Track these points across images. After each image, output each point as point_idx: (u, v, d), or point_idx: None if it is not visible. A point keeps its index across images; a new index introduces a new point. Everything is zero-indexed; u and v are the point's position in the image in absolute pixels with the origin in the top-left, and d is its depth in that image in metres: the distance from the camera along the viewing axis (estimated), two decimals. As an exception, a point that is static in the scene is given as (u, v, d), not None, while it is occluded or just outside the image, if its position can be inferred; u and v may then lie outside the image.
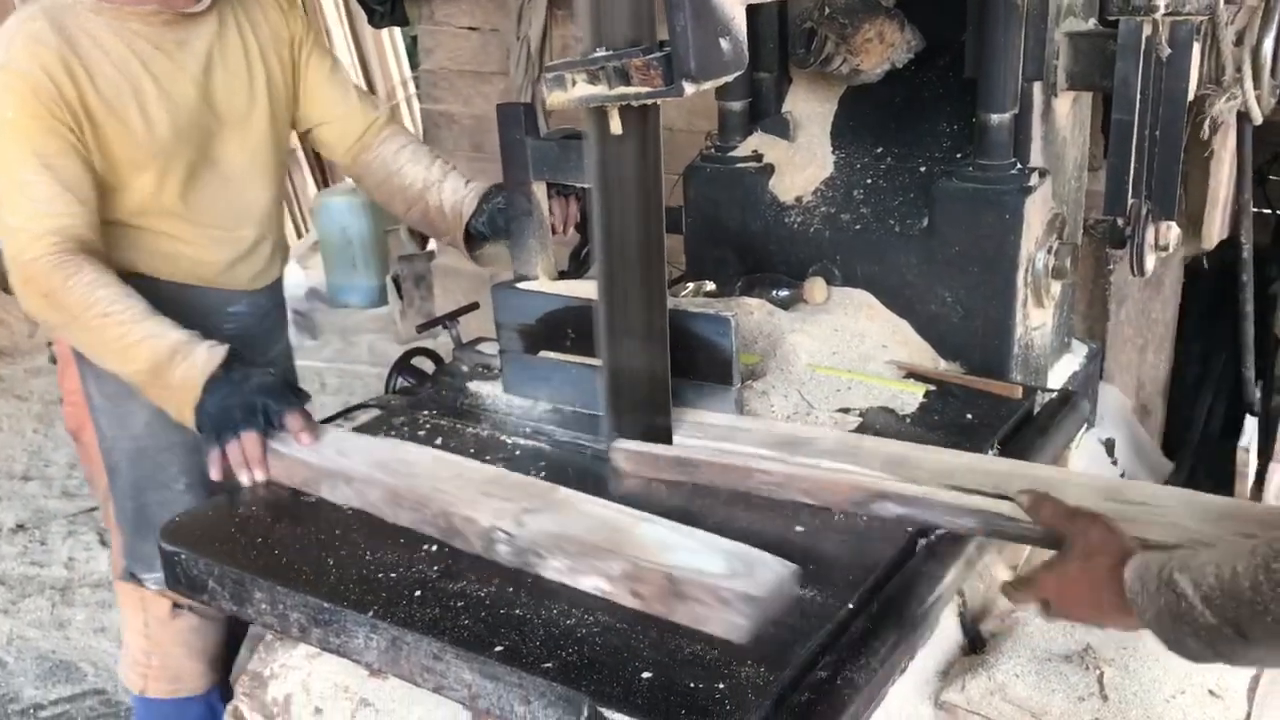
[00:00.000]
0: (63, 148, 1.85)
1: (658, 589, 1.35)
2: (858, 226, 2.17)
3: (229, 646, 2.46)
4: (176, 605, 2.22)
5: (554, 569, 1.43)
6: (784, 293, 2.17)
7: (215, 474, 1.77)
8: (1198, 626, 1.23)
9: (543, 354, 1.93)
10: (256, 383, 1.79)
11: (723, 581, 1.32)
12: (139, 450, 2.13)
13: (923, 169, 2.18)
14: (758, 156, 2.31)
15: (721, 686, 1.22)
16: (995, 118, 2.00)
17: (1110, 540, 1.29)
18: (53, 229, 1.82)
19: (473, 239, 2.17)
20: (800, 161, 2.30)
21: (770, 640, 1.29)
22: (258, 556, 1.54)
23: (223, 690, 2.46)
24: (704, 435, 1.73)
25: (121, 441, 2.13)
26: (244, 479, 1.75)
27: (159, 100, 1.93)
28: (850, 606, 1.37)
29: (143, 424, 2.11)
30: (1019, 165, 2.04)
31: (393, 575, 1.46)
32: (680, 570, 1.34)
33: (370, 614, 1.39)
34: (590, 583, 1.40)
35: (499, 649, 1.30)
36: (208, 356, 1.78)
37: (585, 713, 1.21)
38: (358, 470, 1.67)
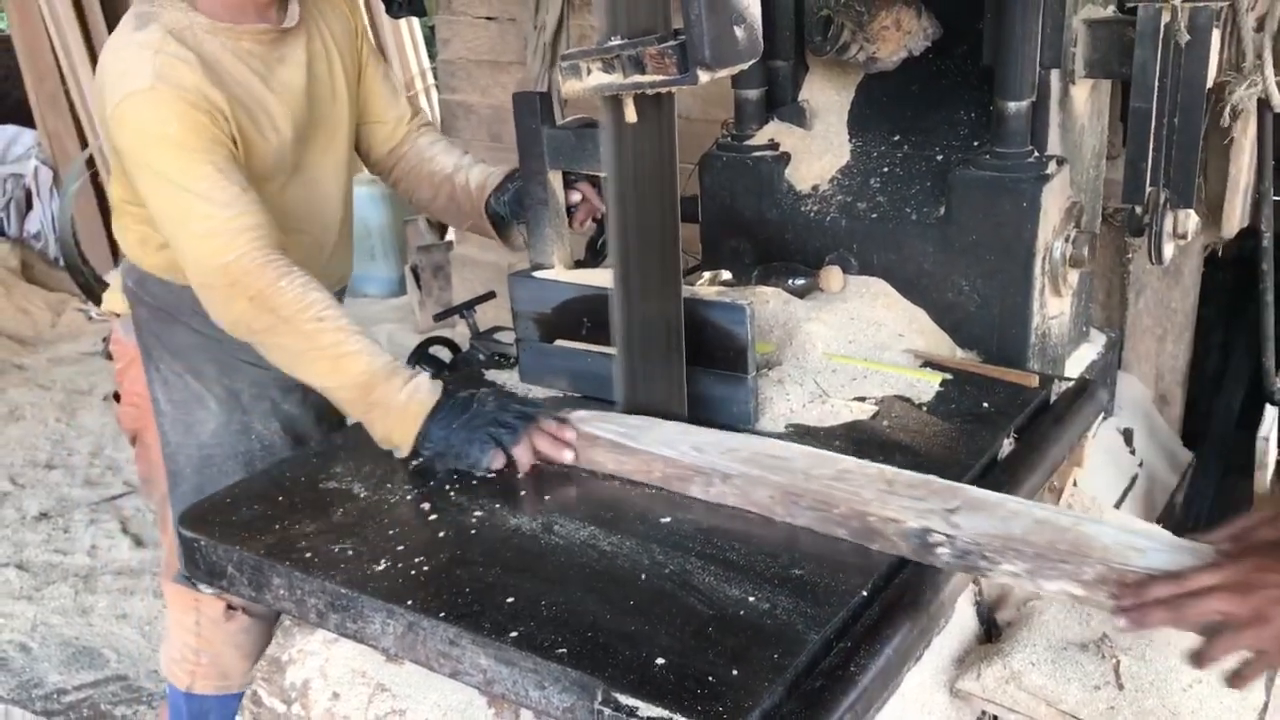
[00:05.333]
0: (227, 155, 1.81)
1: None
2: (874, 215, 2.17)
3: None
4: (230, 607, 2.20)
5: (1007, 572, 1.38)
6: (800, 281, 2.17)
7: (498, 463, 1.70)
8: None
9: (559, 343, 1.93)
10: (486, 412, 1.71)
11: None
12: (205, 458, 2.11)
13: (940, 157, 2.18)
14: (774, 145, 2.31)
15: (735, 672, 1.22)
16: (1013, 106, 2.00)
17: None
18: (248, 225, 1.75)
19: (496, 223, 2.16)
20: (817, 150, 2.30)
21: (784, 626, 1.30)
22: (276, 542, 1.55)
23: None
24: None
25: (186, 449, 2.12)
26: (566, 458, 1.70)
27: (284, 115, 1.94)
28: (864, 593, 1.37)
29: (209, 432, 2.11)
30: (1036, 153, 2.03)
31: (409, 561, 1.47)
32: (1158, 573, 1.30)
33: (387, 600, 1.40)
34: (1056, 586, 1.36)
35: (514, 634, 1.30)
36: (430, 385, 1.73)
37: (599, 697, 1.21)
38: (734, 468, 1.58)
